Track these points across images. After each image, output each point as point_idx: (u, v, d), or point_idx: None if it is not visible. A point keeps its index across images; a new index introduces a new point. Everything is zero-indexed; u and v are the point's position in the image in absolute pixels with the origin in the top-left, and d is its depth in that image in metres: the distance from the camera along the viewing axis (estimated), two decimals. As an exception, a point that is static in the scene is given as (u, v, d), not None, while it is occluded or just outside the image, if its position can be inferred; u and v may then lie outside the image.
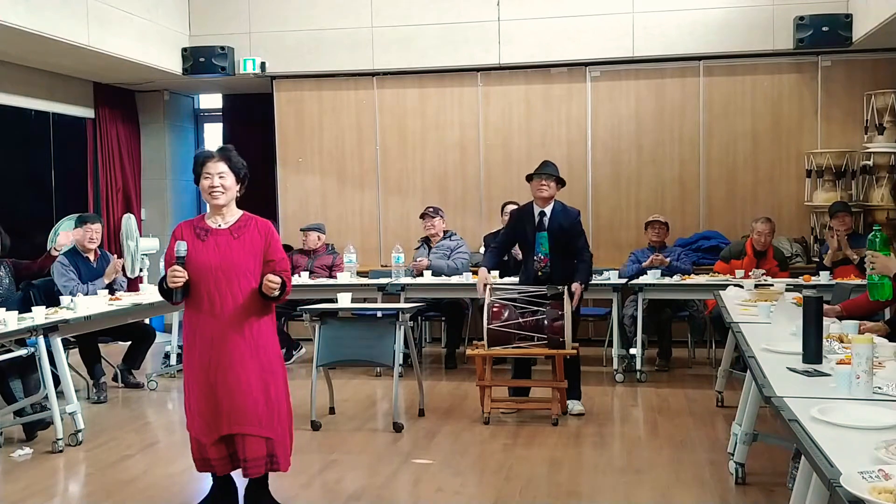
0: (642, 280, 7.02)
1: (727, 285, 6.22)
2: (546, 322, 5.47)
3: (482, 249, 7.81)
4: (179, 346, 6.23)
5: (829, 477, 1.99)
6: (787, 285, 6.08)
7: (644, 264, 7.35)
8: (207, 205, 3.89)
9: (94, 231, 6.77)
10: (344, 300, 5.94)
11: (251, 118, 10.16)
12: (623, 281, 7.00)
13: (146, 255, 7.53)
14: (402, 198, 9.11)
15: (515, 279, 6.30)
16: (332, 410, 5.91)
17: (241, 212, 3.90)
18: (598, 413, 5.85)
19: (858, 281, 6.14)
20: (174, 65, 8.91)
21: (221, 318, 3.73)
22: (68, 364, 5.42)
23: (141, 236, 7.52)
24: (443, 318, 7.92)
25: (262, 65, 9.03)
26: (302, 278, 7.69)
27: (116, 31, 7.90)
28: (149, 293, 6.54)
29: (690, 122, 8.57)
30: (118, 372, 6.97)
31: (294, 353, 7.96)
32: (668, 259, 7.34)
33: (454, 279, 7.35)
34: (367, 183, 9.20)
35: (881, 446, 2.14)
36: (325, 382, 5.95)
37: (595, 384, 6.65)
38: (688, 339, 7.68)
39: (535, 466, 4.69)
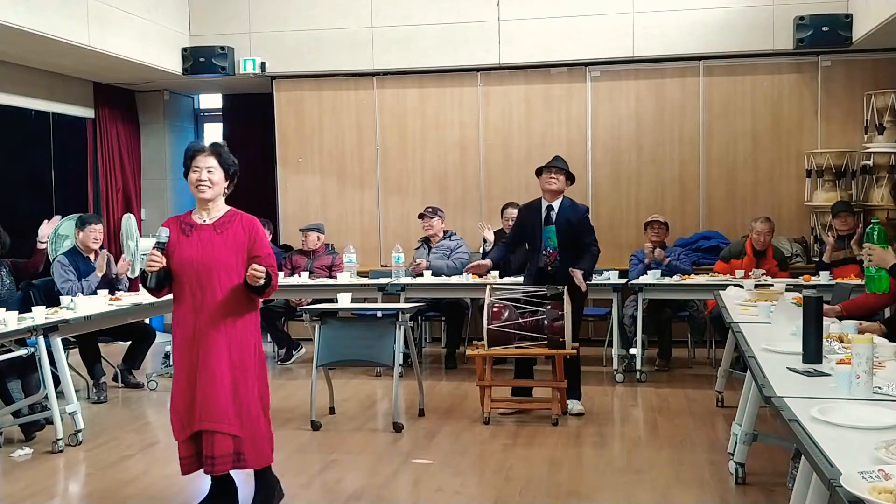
0: (642, 280, 7.02)
1: (727, 285, 6.22)
2: (546, 322, 5.48)
3: (482, 249, 7.81)
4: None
5: (829, 477, 1.99)
6: (787, 285, 6.08)
7: (645, 261, 7.35)
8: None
9: (97, 232, 6.79)
10: (344, 300, 5.94)
11: (251, 118, 10.16)
12: (623, 281, 7.00)
13: (146, 255, 7.50)
14: (402, 198, 9.11)
15: (515, 279, 6.30)
16: (332, 410, 5.91)
17: (227, 207, 3.86)
18: (598, 413, 5.85)
19: (858, 281, 6.14)
20: (174, 65, 8.91)
21: (202, 313, 3.71)
22: (68, 364, 5.43)
23: (141, 236, 7.50)
24: (443, 318, 7.92)
25: (262, 65, 9.02)
26: (302, 278, 7.70)
27: (116, 31, 7.90)
28: (149, 293, 6.51)
29: (690, 122, 8.57)
30: (118, 372, 6.97)
31: (294, 353, 7.96)
32: (667, 259, 7.33)
33: (454, 279, 7.35)
34: (367, 183, 9.20)
35: (881, 446, 2.14)
36: (325, 382, 5.95)
37: (595, 384, 6.65)
38: (688, 339, 7.68)
39: (535, 466, 4.69)
